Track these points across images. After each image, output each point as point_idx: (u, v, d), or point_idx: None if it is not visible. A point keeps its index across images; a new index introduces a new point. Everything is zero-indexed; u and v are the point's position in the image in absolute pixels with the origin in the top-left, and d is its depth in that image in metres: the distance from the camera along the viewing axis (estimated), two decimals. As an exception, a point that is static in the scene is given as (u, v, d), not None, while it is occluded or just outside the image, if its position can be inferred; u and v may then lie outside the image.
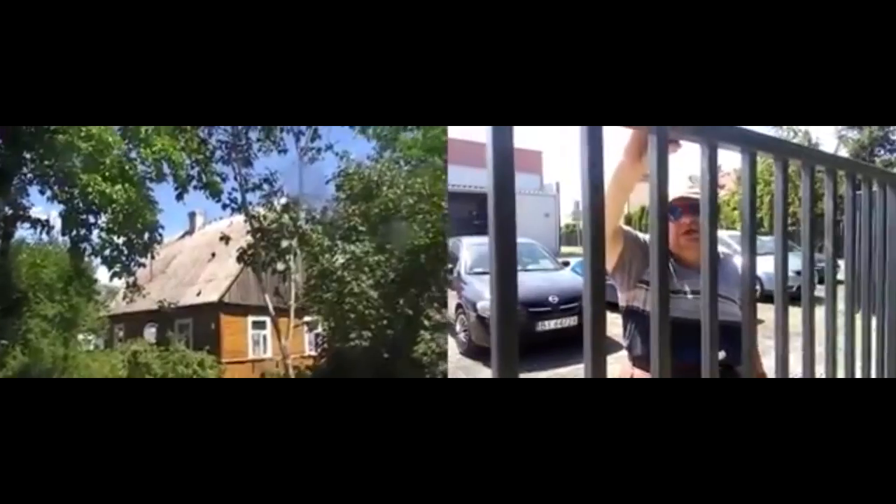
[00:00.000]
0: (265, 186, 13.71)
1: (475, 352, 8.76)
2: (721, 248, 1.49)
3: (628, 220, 16.41)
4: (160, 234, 11.93)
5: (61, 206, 10.77)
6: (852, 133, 24.45)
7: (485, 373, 7.58)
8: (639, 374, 2.49)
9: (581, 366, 1.17)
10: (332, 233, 12.78)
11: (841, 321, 1.93)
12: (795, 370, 1.64)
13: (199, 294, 18.02)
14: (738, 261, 1.78)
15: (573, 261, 12.17)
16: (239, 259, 14.11)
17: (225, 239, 14.17)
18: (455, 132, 13.62)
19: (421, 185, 12.08)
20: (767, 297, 1.65)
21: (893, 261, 2.24)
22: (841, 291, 1.92)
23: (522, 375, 1.02)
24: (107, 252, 11.07)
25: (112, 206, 10.34)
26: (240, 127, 12.92)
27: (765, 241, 1.83)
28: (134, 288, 12.39)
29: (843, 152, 22.55)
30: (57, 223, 11.16)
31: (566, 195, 33.63)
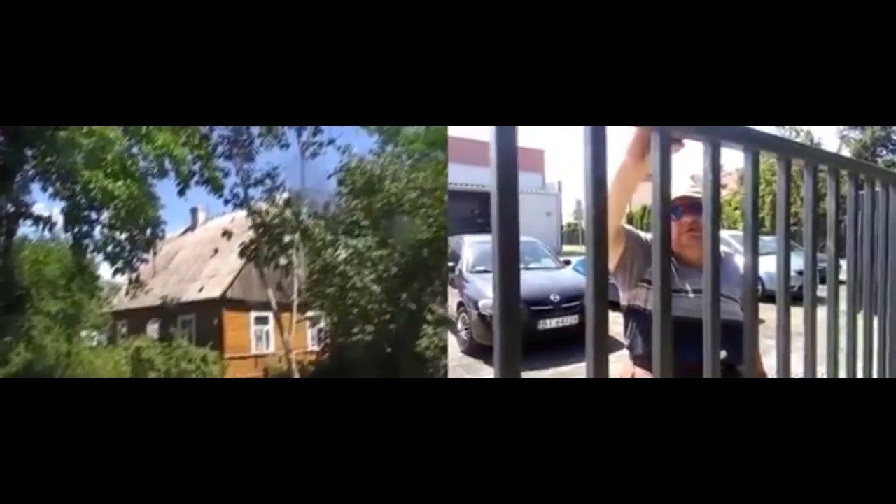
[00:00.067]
0: (267, 181, 13.70)
1: (476, 350, 8.79)
2: (722, 248, 1.49)
3: (630, 220, 16.41)
4: (162, 230, 11.95)
5: (63, 203, 10.78)
6: (855, 133, 24.39)
7: (486, 371, 7.60)
8: (640, 373, 2.50)
9: (582, 364, 1.17)
10: (334, 227, 12.77)
11: (843, 321, 1.93)
12: (797, 370, 1.65)
13: (201, 290, 18.03)
14: (739, 260, 1.78)
15: (574, 259, 12.16)
16: (241, 254, 14.12)
17: (227, 234, 14.18)
18: (456, 130, 13.61)
19: (423, 180, 12.06)
20: (769, 297, 1.65)
21: (895, 261, 2.24)
22: (843, 291, 1.92)
23: (524, 374, 1.02)
24: (109, 248, 11.10)
25: (114, 203, 10.35)
26: (242, 122, 12.87)
27: (766, 240, 1.83)
28: (136, 284, 12.41)
29: (846, 152, 22.46)
30: (59, 220, 11.17)
31: (568, 194, 33.66)
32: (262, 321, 17.44)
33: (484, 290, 8.76)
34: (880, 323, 2.26)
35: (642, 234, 2.51)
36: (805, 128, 22.21)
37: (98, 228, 11.01)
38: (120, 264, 11.29)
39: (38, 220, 11.28)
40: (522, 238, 1.15)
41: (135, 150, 10.89)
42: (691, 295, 2.17)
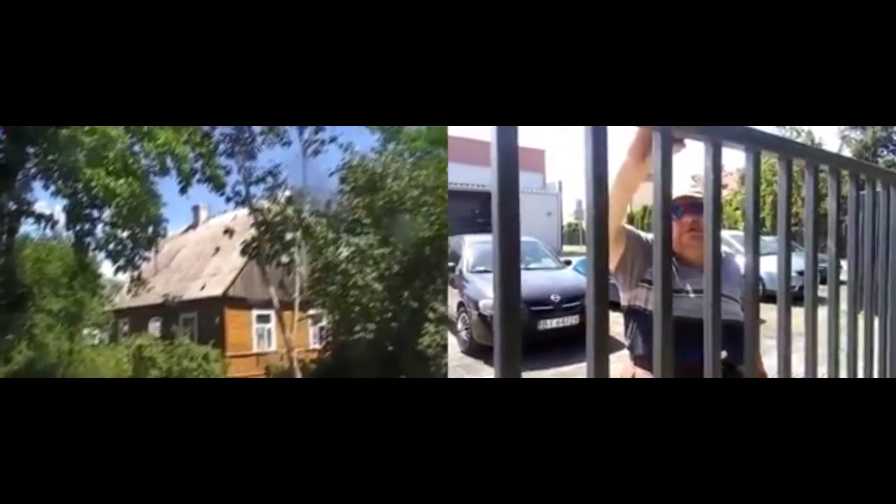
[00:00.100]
0: (269, 179, 13.67)
1: (477, 350, 8.78)
2: (722, 248, 1.49)
3: (631, 220, 16.39)
4: (164, 228, 11.93)
5: (65, 201, 10.75)
6: (855, 133, 24.36)
7: (486, 371, 7.59)
8: (640, 373, 2.49)
9: (583, 364, 1.17)
10: (336, 225, 12.75)
11: (844, 321, 1.93)
12: (798, 370, 1.65)
13: (203, 288, 18.02)
14: (740, 260, 1.78)
15: (575, 259, 12.15)
16: (243, 252, 14.11)
17: (229, 232, 14.17)
18: (456, 130, 13.61)
19: (426, 178, 12.05)
20: (770, 297, 1.65)
21: (896, 260, 2.24)
22: (844, 291, 1.92)
23: (524, 374, 1.02)
24: (111, 246, 11.08)
25: (116, 201, 10.34)
26: (243, 119, 12.85)
27: (767, 240, 1.83)
28: (138, 282, 12.41)
29: (847, 152, 22.44)
30: (61, 218, 11.16)
31: (568, 194, 33.62)
32: (263, 319, 17.43)
33: (484, 290, 8.75)
34: (881, 323, 2.26)
35: (643, 234, 2.51)
36: (806, 128, 22.19)
37: (100, 226, 11.01)
38: (122, 262, 11.28)
39: (39, 218, 11.28)
40: (523, 238, 1.15)
41: (136, 148, 10.89)
42: (692, 295, 2.17)
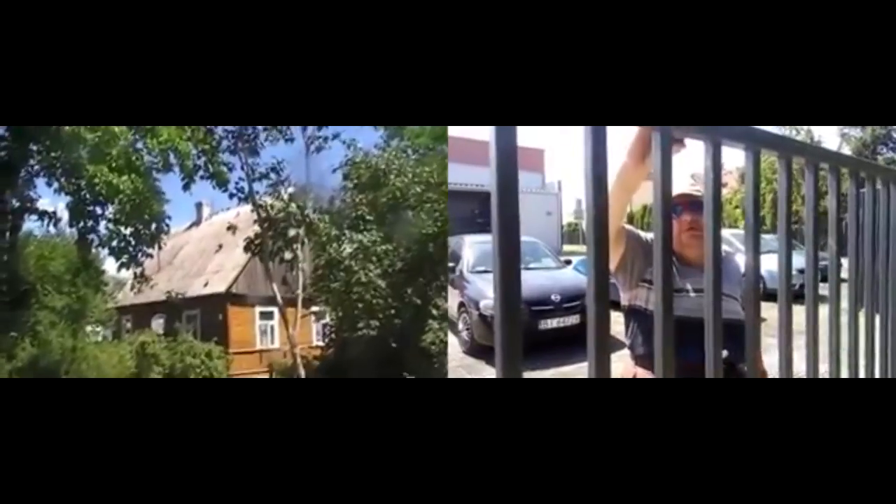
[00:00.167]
0: (272, 176, 13.64)
1: (477, 350, 8.75)
2: (722, 246, 1.49)
3: (630, 219, 16.35)
4: (167, 225, 11.91)
5: (68, 198, 10.74)
6: (855, 131, 24.29)
7: (487, 371, 7.59)
8: (641, 373, 2.49)
9: (584, 364, 1.17)
10: (339, 222, 12.75)
11: (844, 319, 1.93)
12: (799, 369, 1.65)
13: (206, 285, 18.04)
14: (740, 259, 1.79)
15: (575, 259, 12.13)
16: (246, 249, 14.09)
17: (232, 229, 14.16)
18: (455, 130, 13.58)
19: (429, 174, 12.04)
20: (770, 296, 1.65)
21: (897, 258, 2.24)
22: (844, 289, 1.92)
23: (525, 374, 1.03)
24: (114, 243, 11.07)
25: (119, 197, 10.35)
26: (246, 116, 12.84)
27: (767, 239, 1.83)
28: (141, 279, 12.40)
29: (846, 150, 22.38)
30: (64, 215, 11.14)
31: (568, 194, 33.54)
32: (266, 316, 17.45)
33: (485, 290, 8.72)
34: (882, 321, 2.26)
35: (643, 233, 2.50)
36: (805, 126, 22.14)
37: (103, 223, 10.99)
38: (125, 259, 11.27)
39: (43, 215, 11.27)
40: (523, 238, 1.15)
41: (139, 144, 10.87)
42: (692, 294, 2.16)
